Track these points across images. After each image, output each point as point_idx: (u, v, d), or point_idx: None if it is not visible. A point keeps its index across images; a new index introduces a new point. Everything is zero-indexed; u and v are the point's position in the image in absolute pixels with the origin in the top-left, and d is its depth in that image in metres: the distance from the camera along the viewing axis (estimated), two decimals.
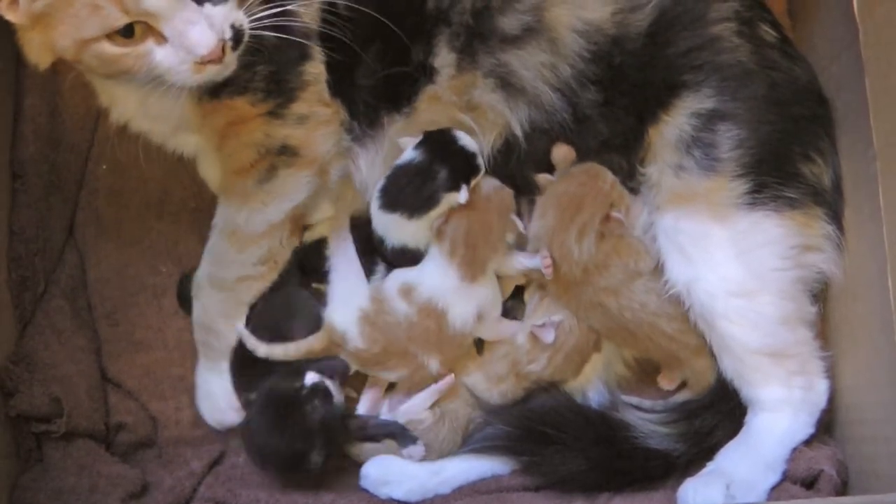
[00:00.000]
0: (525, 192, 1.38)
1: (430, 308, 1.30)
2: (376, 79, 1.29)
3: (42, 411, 1.31)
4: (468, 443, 1.33)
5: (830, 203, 1.31)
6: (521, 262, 1.35)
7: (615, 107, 1.31)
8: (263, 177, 1.27)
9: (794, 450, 1.27)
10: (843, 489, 1.25)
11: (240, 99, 1.23)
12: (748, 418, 1.29)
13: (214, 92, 1.21)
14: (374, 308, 1.31)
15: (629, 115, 1.32)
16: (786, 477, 1.25)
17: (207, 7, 1.10)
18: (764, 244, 1.26)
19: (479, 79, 1.30)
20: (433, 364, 1.31)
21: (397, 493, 1.31)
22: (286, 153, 1.26)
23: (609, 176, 1.34)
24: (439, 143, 1.30)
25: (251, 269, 1.32)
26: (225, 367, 1.36)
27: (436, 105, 1.32)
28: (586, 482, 1.29)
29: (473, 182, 1.30)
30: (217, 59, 1.11)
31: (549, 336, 1.32)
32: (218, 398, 1.37)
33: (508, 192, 1.34)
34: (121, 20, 1.06)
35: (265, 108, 1.24)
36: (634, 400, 1.36)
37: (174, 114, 1.24)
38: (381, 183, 1.33)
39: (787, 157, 1.29)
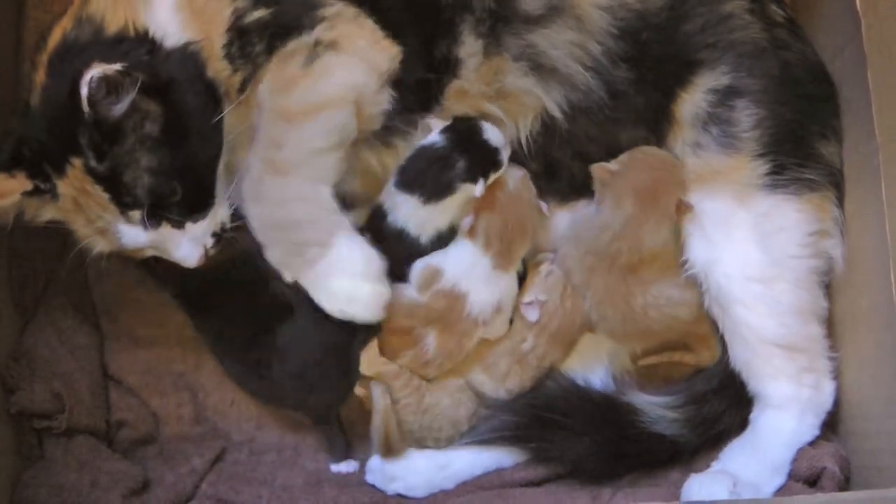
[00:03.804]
0: (563, 178, 1.35)
1: (447, 292, 1.29)
2: (406, 86, 1.26)
3: (43, 408, 1.30)
4: (473, 434, 1.32)
5: (839, 185, 1.30)
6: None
7: (646, 83, 1.30)
8: (307, 60, 1.20)
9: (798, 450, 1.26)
10: (845, 485, 1.24)
11: (258, 73, 1.20)
12: (754, 415, 1.28)
13: (243, 90, 1.21)
14: None
15: (657, 91, 1.31)
16: (790, 476, 1.25)
17: (189, 227, 1.19)
18: (783, 229, 1.26)
19: (508, 63, 1.27)
20: (430, 341, 1.29)
21: (404, 488, 1.30)
22: (322, 44, 1.20)
23: (675, 161, 1.31)
24: (464, 133, 1.28)
25: (321, 141, 1.19)
26: (340, 250, 1.18)
27: (463, 99, 1.29)
28: (594, 467, 1.28)
29: (493, 177, 1.29)
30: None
31: (533, 315, 1.31)
32: (358, 286, 1.20)
33: (527, 176, 1.32)
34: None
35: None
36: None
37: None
38: (401, 161, 1.30)
39: (805, 136, 1.28)
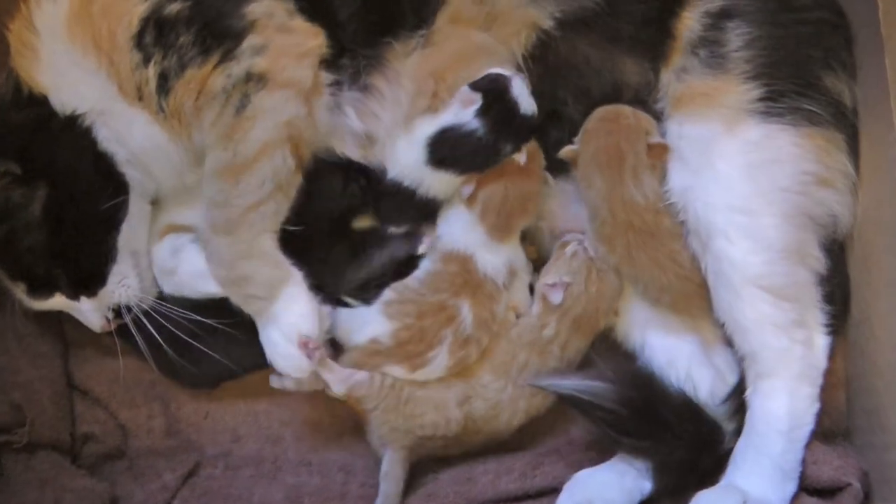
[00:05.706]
0: (564, 125, 1.31)
1: (452, 255, 1.30)
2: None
3: (2, 421, 1.28)
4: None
5: (851, 132, 1.24)
6: None
7: None
8: (238, 105, 1.19)
9: (814, 450, 1.21)
10: (864, 500, 1.21)
11: (187, 72, 1.18)
12: (748, 394, 1.22)
13: (163, 87, 1.19)
14: (394, 290, 1.31)
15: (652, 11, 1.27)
16: (805, 484, 1.20)
17: (83, 300, 1.26)
18: (776, 161, 1.20)
19: None
20: (465, 310, 1.28)
21: None
22: (253, 80, 1.19)
23: (627, 109, 1.29)
24: (503, 117, 1.25)
25: (254, 195, 1.20)
26: (278, 308, 1.22)
27: (457, 28, 1.24)
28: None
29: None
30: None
31: (557, 297, 1.30)
32: (284, 346, 1.23)
33: (538, 148, 1.32)
34: None
35: (214, 60, 1.18)
36: None
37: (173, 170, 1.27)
38: (434, 136, 1.27)
39: (807, 61, 1.23)
